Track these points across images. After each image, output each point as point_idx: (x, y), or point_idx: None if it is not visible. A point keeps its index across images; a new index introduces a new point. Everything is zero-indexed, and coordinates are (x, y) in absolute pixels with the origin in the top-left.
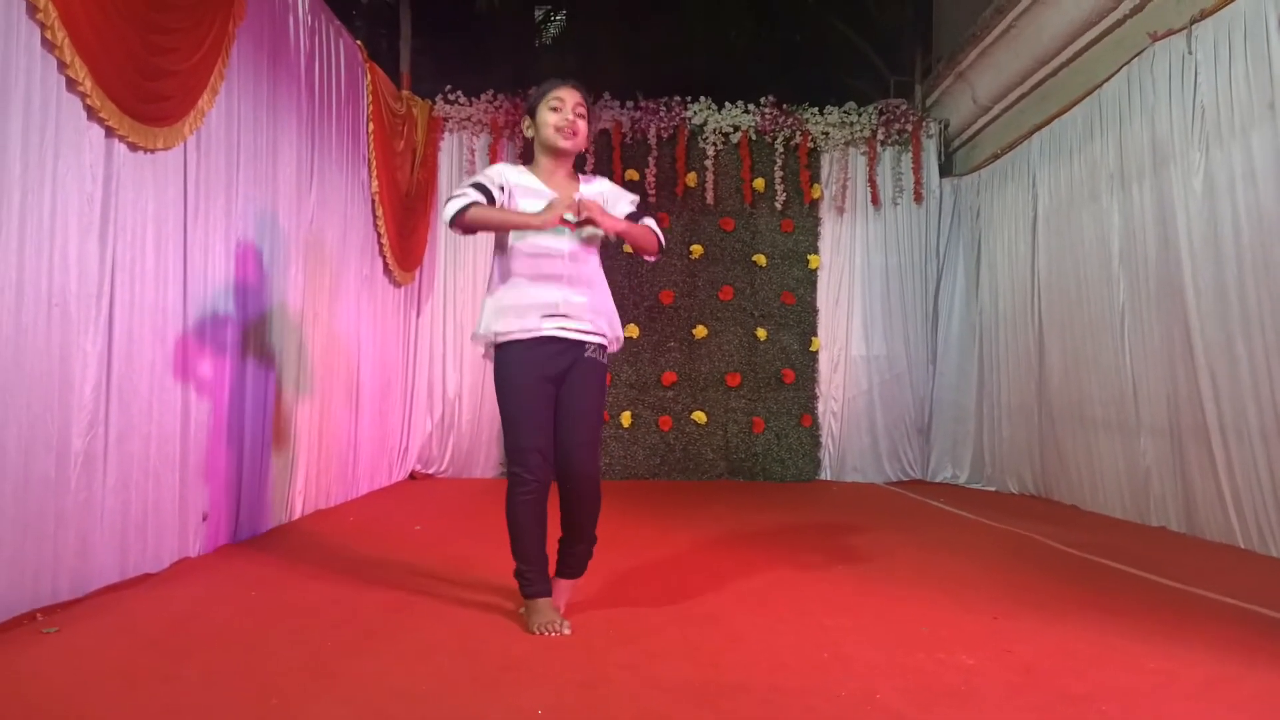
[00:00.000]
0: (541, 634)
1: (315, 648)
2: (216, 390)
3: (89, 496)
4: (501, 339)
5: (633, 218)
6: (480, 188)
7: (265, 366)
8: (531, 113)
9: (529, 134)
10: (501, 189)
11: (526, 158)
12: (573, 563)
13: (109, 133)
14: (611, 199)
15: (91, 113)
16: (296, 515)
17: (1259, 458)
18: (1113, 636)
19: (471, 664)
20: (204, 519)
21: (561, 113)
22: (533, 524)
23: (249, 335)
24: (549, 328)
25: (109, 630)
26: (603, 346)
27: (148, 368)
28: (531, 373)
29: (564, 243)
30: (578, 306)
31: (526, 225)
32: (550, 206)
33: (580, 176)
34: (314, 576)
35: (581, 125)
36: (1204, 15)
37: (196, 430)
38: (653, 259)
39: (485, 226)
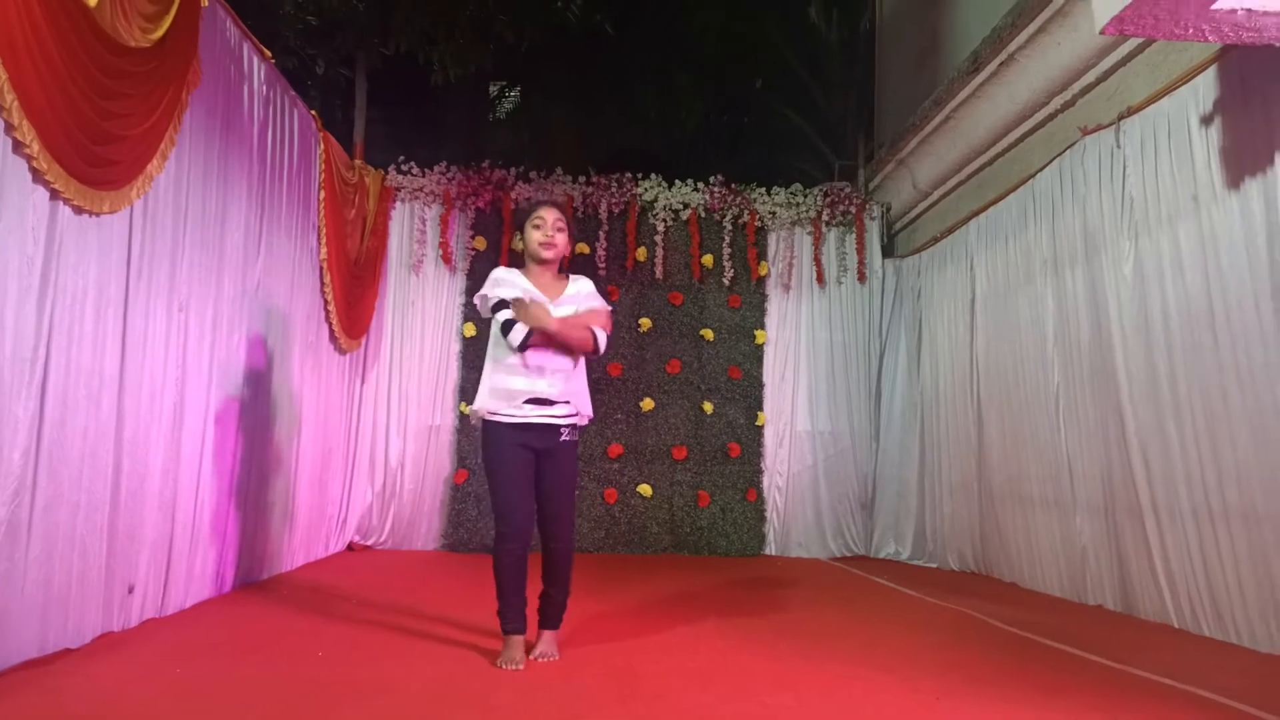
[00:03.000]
0: (504, 668)
1: None
2: (149, 456)
3: (10, 567)
4: (491, 418)
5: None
6: (503, 301)
7: (201, 433)
8: (519, 229)
9: (517, 247)
10: (515, 292)
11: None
12: (552, 612)
13: (54, 195)
14: (583, 299)
15: (37, 175)
16: (228, 588)
17: (1190, 538)
18: (1054, 715)
19: None
20: (129, 591)
21: (543, 230)
22: (513, 574)
23: (186, 401)
24: (533, 414)
25: (29, 710)
26: (576, 427)
27: (80, 434)
28: (516, 448)
29: (549, 349)
30: (558, 393)
31: (577, 332)
32: (533, 315)
33: (570, 277)
34: (244, 652)
35: (560, 238)
36: (1131, 112)
37: (127, 498)
38: (592, 356)
39: (540, 340)
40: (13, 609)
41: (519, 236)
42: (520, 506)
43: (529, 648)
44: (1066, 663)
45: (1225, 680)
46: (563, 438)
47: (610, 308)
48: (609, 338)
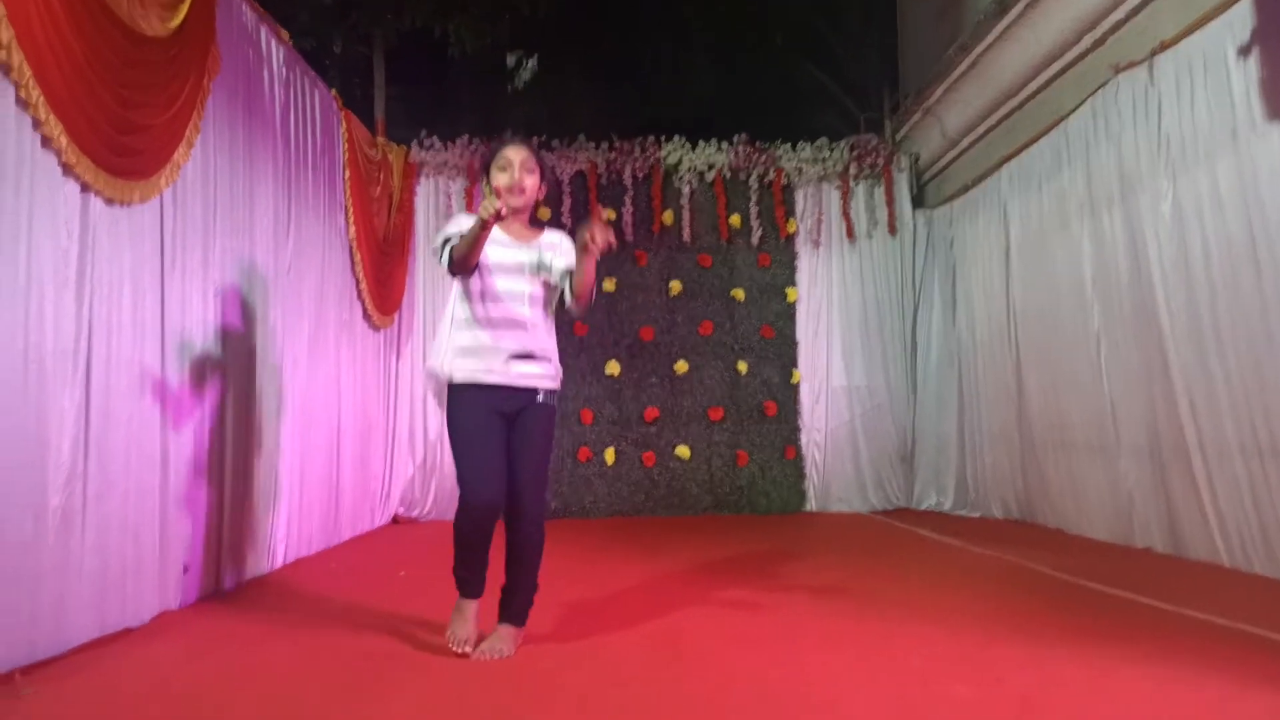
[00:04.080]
0: (449, 643)
1: (299, 705)
2: (196, 441)
3: (66, 554)
4: (459, 379)
5: (569, 271)
6: (450, 237)
7: (245, 415)
8: (485, 171)
9: (486, 192)
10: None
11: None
12: (515, 607)
13: (84, 188)
14: (564, 250)
15: (67, 169)
16: (279, 564)
17: (1239, 476)
18: (1105, 662)
19: (467, 716)
20: (185, 571)
21: (509, 172)
22: (475, 541)
23: (228, 385)
24: (506, 372)
25: (87, 690)
26: (554, 391)
27: (125, 422)
28: (483, 410)
29: (521, 289)
30: (535, 348)
31: (482, 227)
32: (483, 205)
33: (545, 228)
34: (297, 627)
35: (530, 181)
36: (1164, 47)
37: (175, 482)
38: (578, 310)
39: (469, 254)
40: (72, 593)
41: (485, 182)
42: (490, 472)
43: (480, 639)
44: (1117, 607)
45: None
46: (538, 399)
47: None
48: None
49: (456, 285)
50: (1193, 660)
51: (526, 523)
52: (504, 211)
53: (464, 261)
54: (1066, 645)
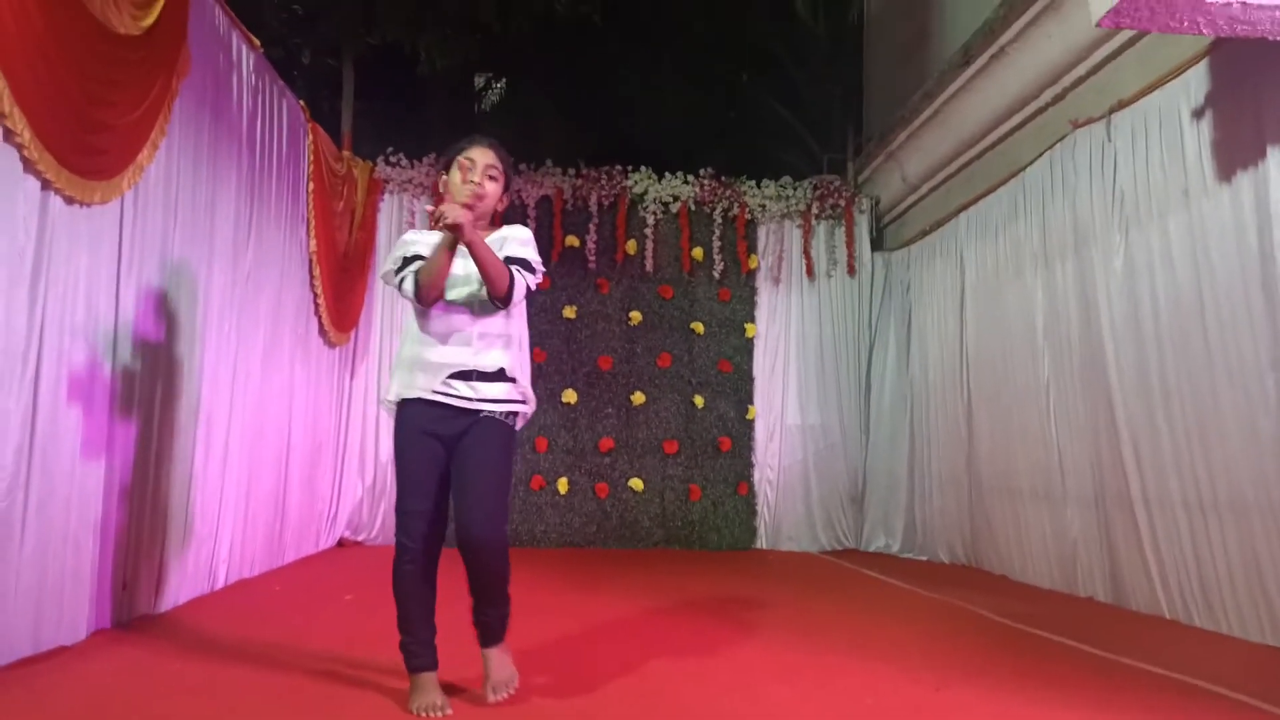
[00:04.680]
0: (422, 715)
1: None
2: (141, 452)
3: (4, 565)
4: (401, 395)
5: (510, 261)
6: (408, 260)
7: (192, 428)
8: (446, 166)
9: (443, 189)
10: (419, 257)
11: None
12: (488, 631)
13: (45, 185)
14: (508, 243)
15: (28, 164)
16: (220, 584)
17: (1181, 530)
18: (1051, 708)
19: None
20: (123, 588)
21: (469, 173)
22: (415, 594)
23: (177, 395)
24: (441, 391)
25: (20, 709)
26: (510, 412)
27: (72, 429)
28: (418, 433)
29: (467, 298)
30: (489, 364)
31: (447, 251)
32: (443, 209)
33: (504, 226)
34: (238, 650)
35: (490, 187)
36: (1122, 105)
37: (120, 494)
38: (499, 301)
39: (436, 279)
40: (6, 606)
41: (442, 177)
42: (420, 508)
43: (450, 686)
44: (1061, 654)
45: (1217, 669)
46: (482, 415)
47: (539, 260)
48: (528, 290)
49: (408, 305)
50: (1136, 709)
51: (480, 553)
52: (465, 218)
53: (432, 287)
54: (1013, 689)
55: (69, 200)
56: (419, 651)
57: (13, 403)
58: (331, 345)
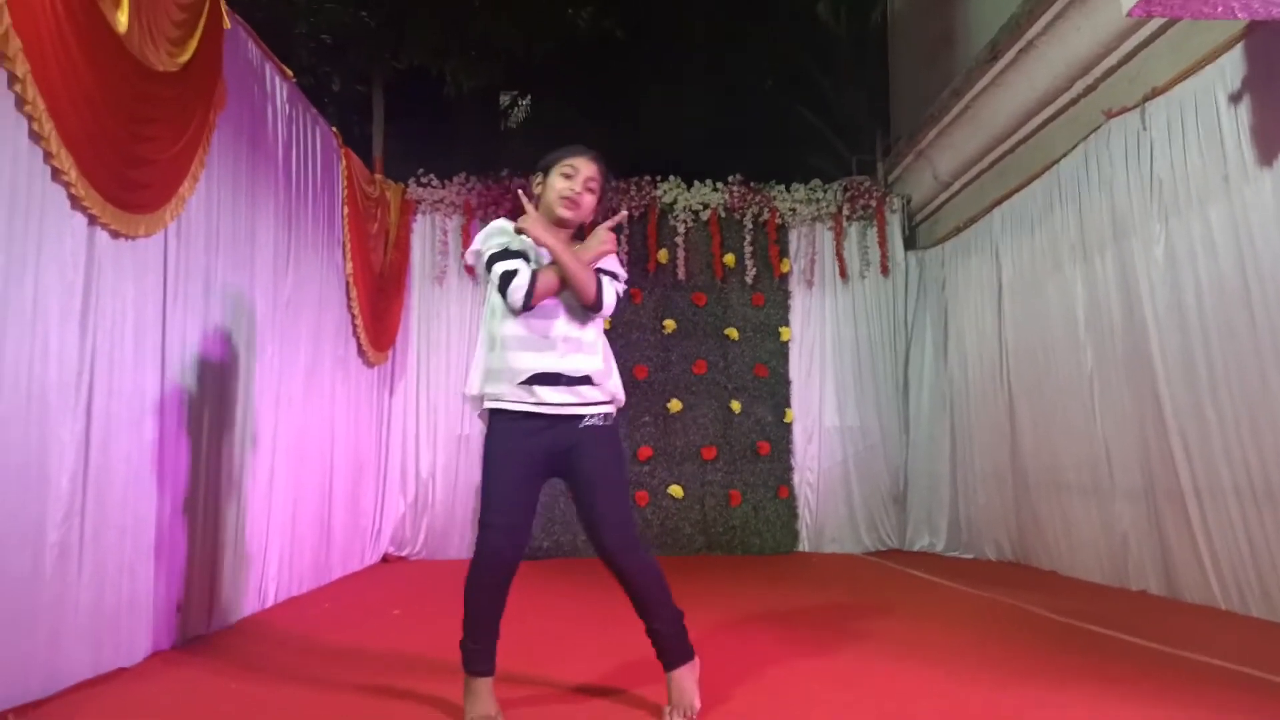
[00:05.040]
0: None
1: None
2: (192, 477)
3: (63, 590)
4: (492, 405)
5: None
6: (514, 254)
7: (240, 451)
8: (545, 170)
9: (537, 191)
10: (524, 255)
11: (515, 215)
12: (664, 646)
13: (91, 220)
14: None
15: (75, 201)
16: (270, 603)
17: (1234, 519)
18: (1112, 703)
19: None
20: (177, 610)
21: (571, 181)
22: (485, 600)
23: (224, 420)
24: (546, 399)
25: None
26: (608, 415)
27: (124, 456)
28: (522, 440)
29: (558, 301)
30: (573, 368)
31: (558, 274)
32: (588, 245)
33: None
34: (291, 669)
35: (588, 199)
36: (1155, 93)
37: (172, 518)
38: (590, 309)
39: (550, 292)
40: (66, 630)
41: (539, 178)
42: (506, 516)
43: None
44: (1117, 649)
45: (1277, 659)
46: (584, 423)
47: (622, 270)
48: (615, 305)
49: (491, 300)
50: (1193, 702)
51: (622, 559)
52: (538, 230)
53: (543, 298)
54: (1073, 688)
55: (114, 234)
56: (479, 656)
57: (67, 433)
58: (370, 365)
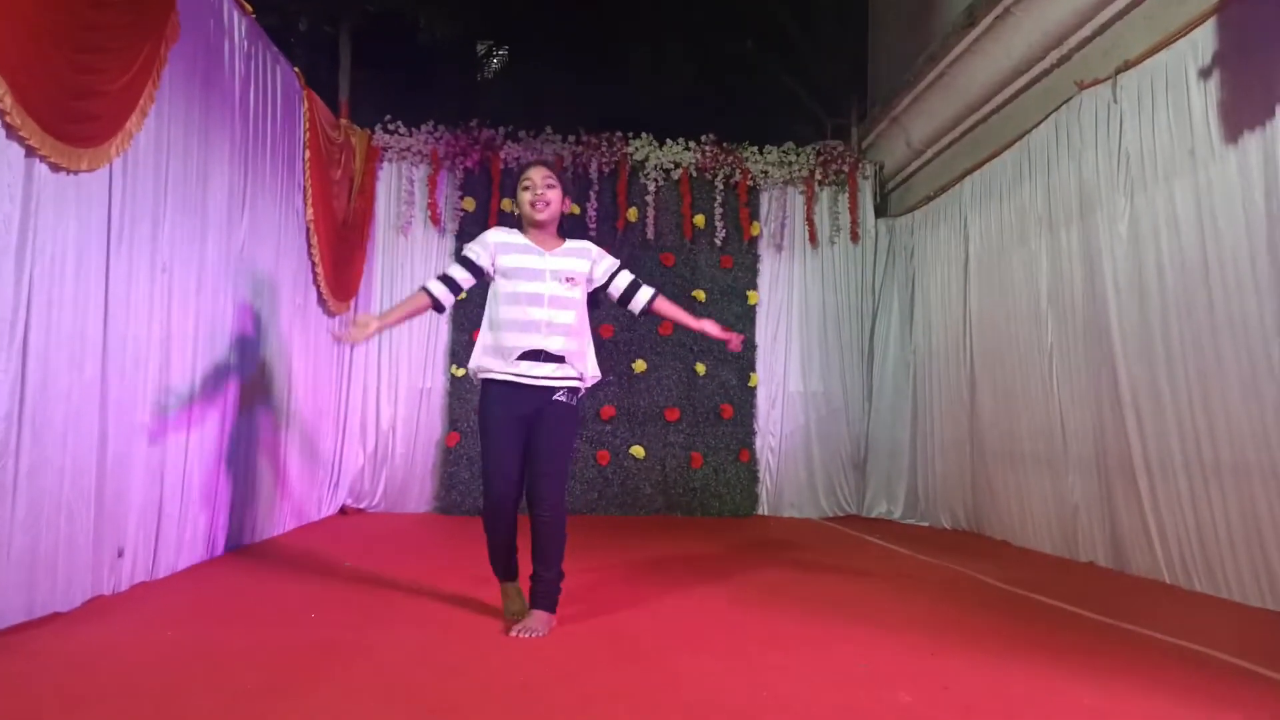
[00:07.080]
0: (508, 619)
1: (232, 694)
2: (136, 420)
3: None
4: (484, 375)
5: (616, 271)
6: (464, 261)
7: (188, 397)
8: (515, 195)
9: (515, 213)
10: (478, 257)
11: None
12: (542, 591)
13: (29, 152)
14: (596, 259)
15: (11, 130)
16: (220, 551)
17: (1182, 494)
18: (1048, 673)
19: (401, 712)
20: (119, 555)
21: (531, 190)
22: (501, 532)
23: (171, 365)
24: (527, 372)
25: (10, 674)
26: (573, 390)
27: (63, 397)
28: (506, 409)
29: (542, 290)
30: (556, 348)
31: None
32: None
33: (567, 240)
34: (236, 616)
35: (552, 195)
36: (1128, 66)
37: (114, 463)
38: (639, 313)
39: (412, 312)
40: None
41: (512, 203)
42: (504, 473)
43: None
44: (1061, 619)
45: (1217, 635)
46: (554, 396)
47: (618, 261)
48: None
49: (494, 288)
50: (1136, 675)
51: (542, 508)
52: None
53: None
54: (1012, 655)
55: (55, 168)
56: (504, 569)
57: (1, 371)
58: (331, 314)
